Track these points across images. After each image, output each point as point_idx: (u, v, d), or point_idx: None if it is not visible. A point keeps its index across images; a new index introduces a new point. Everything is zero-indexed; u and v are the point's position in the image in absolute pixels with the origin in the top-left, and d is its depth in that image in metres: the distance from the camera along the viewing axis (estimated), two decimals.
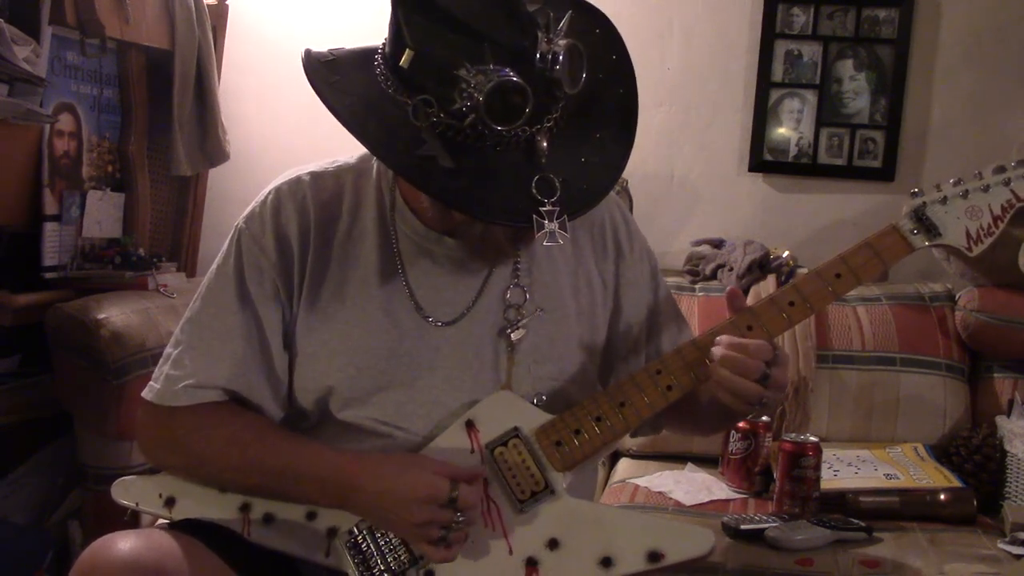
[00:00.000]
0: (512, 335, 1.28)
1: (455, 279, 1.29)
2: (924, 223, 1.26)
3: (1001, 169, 1.26)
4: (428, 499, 1.15)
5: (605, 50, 1.21)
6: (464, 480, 1.17)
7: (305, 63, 1.19)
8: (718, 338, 1.21)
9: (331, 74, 1.18)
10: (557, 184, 1.10)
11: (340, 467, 1.20)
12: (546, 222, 1.08)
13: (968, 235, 1.26)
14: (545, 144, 1.12)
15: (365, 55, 1.20)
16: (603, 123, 1.19)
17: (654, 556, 1.19)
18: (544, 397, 1.28)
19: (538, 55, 1.11)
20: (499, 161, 1.12)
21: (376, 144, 1.13)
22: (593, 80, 1.17)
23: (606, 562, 1.19)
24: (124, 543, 1.11)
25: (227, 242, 1.31)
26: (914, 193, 1.28)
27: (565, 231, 1.09)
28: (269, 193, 1.31)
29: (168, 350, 1.28)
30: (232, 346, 1.25)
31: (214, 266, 1.30)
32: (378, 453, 1.23)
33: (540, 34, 1.12)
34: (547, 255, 1.34)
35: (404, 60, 1.11)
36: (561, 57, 1.10)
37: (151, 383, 1.28)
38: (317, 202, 1.30)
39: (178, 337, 1.28)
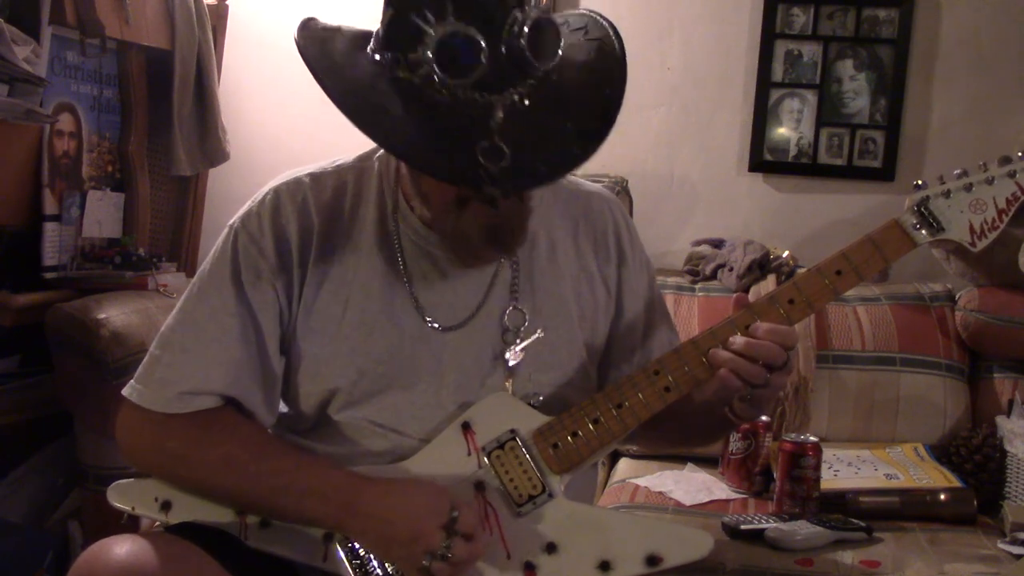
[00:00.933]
0: (509, 359, 1.27)
1: (458, 282, 1.29)
2: (927, 217, 1.23)
3: (1006, 160, 1.22)
4: (425, 518, 1.13)
5: (602, 53, 1.18)
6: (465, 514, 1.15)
7: (302, 22, 1.18)
8: (755, 324, 1.20)
9: (322, 31, 1.18)
10: (506, 153, 1.06)
11: (344, 482, 1.18)
12: (486, 187, 1.06)
13: (972, 230, 1.23)
14: (502, 115, 1.09)
15: (367, 31, 1.19)
16: (579, 116, 1.15)
17: (652, 560, 1.18)
18: (541, 398, 1.27)
19: (507, 22, 1.08)
20: (451, 120, 1.10)
21: (326, 72, 1.11)
22: (581, 75, 1.15)
23: (604, 566, 1.18)
24: (120, 548, 1.10)
25: (221, 242, 1.28)
26: (917, 185, 1.24)
27: (507, 198, 1.08)
28: (267, 193, 1.29)
29: (156, 351, 1.24)
30: (229, 351, 1.23)
31: (206, 266, 1.27)
32: (383, 477, 1.21)
33: (516, 9, 1.10)
34: (550, 260, 1.33)
35: (383, 18, 1.12)
36: (527, 27, 1.08)
37: (136, 384, 1.24)
38: (317, 203, 1.28)
39: (168, 338, 1.24)
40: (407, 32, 1.08)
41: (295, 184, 1.30)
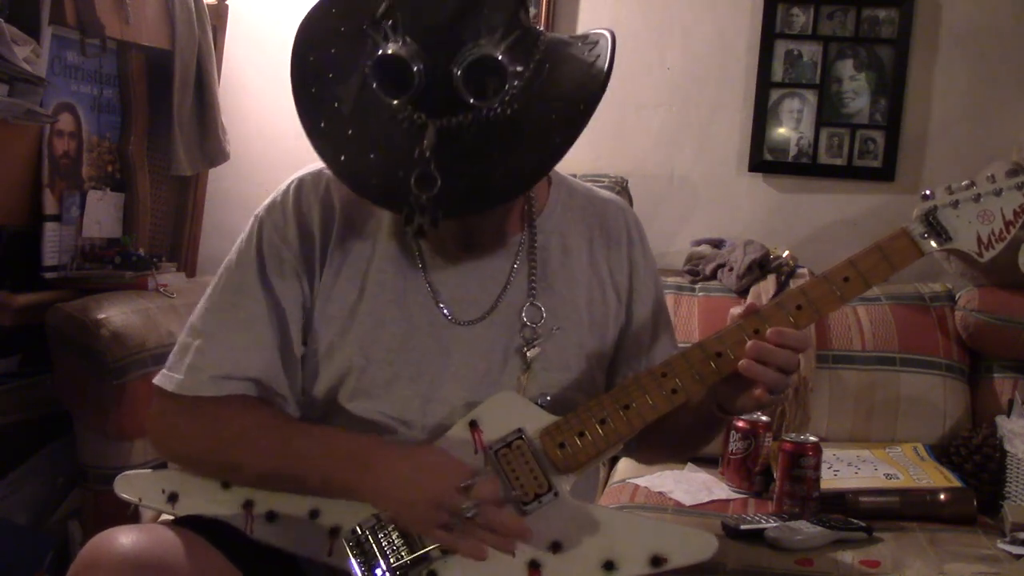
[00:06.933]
0: (528, 353, 1.28)
1: (475, 277, 1.30)
2: (934, 227, 1.23)
3: (1014, 172, 1.23)
4: (444, 478, 1.14)
5: (576, 89, 1.17)
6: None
7: None
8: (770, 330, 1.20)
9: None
10: (437, 181, 1.08)
11: (364, 444, 1.21)
12: (416, 215, 1.08)
13: (980, 240, 1.23)
14: (435, 138, 1.10)
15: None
16: (528, 143, 1.14)
17: (656, 560, 1.18)
18: (548, 397, 1.27)
19: (459, 52, 1.09)
20: (388, 130, 1.13)
21: (300, 46, 1.21)
22: (540, 104, 1.14)
23: (608, 566, 1.18)
24: (125, 538, 1.10)
25: (247, 231, 1.31)
26: (925, 196, 1.25)
27: (435, 227, 1.10)
28: (291, 183, 1.32)
29: (186, 339, 1.27)
30: (256, 336, 1.25)
31: (233, 255, 1.30)
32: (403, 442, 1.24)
33: (472, 41, 1.10)
34: (563, 264, 1.34)
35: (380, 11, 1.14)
36: (464, 66, 1.08)
37: (168, 373, 1.26)
38: (339, 193, 1.30)
39: (198, 327, 1.27)
40: (370, 37, 1.12)
41: (317, 175, 1.32)
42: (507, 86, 1.10)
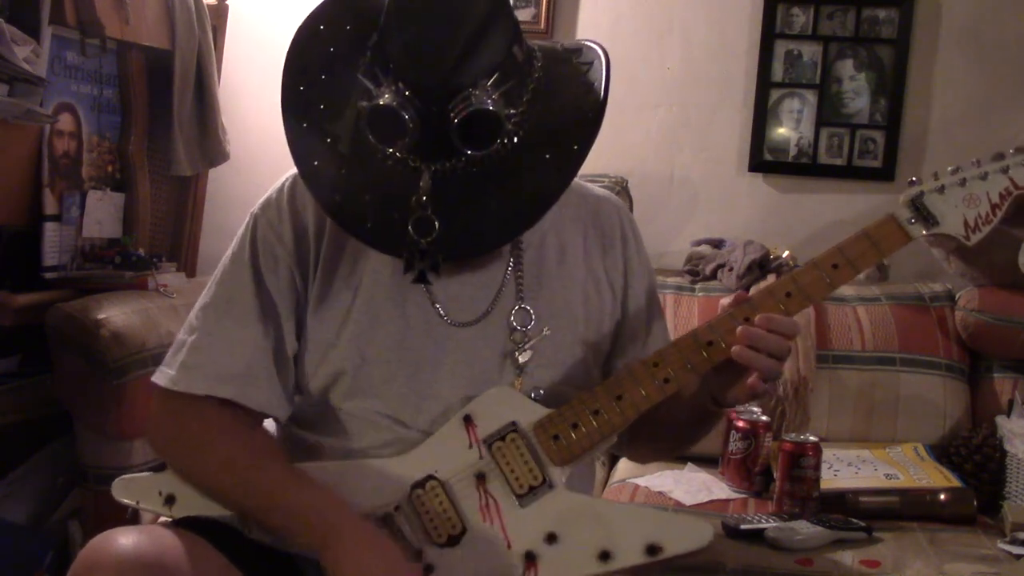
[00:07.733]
0: (520, 357, 1.28)
1: (471, 279, 1.29)
2: (921, 212, 1.24)
3: (999, 156, 1.25)
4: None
5: (571, 124, 1.19)
6: None
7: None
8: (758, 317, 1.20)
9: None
10: (436, 225, 1.11)
11: (324, 517, 1.17)
12: (416, 261, 1.12)
13: (966, 223, 1.24)
14: (430, 182, 1.13)
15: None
16: (524, 183, 1.17)
17: (652, 549, 1.18)
18: (542, 391, 1.28)
19: (453, 100, 1.10)
20: (379, 175, 1.15)
21: (289, 87, 1.21)
22: (534, 142, 1.16)
23: (604, 556, 1.18)
24: (125, 539, 1.10)
25: (242, 228, 1.30)
26: (912, 182, 1.26)
27: (437, 272, 1.13)
28: (286, 180, 1.31)
29: (182, 337, 1.27)
30: (249, 334, 1.25)
31: (229, 252, 1.30)
32: (367, 520, 1.20)
33: (472, 89, 1.11)
34: (559, 261, 1.34)
35: (371, 41, 1.15)
36: (460, 118, 1.09)
37: (163, 369, 1.26)
38: None
39: (193, 324, 1.27)
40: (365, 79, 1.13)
41: None
42: (501, 134, 1.13)
